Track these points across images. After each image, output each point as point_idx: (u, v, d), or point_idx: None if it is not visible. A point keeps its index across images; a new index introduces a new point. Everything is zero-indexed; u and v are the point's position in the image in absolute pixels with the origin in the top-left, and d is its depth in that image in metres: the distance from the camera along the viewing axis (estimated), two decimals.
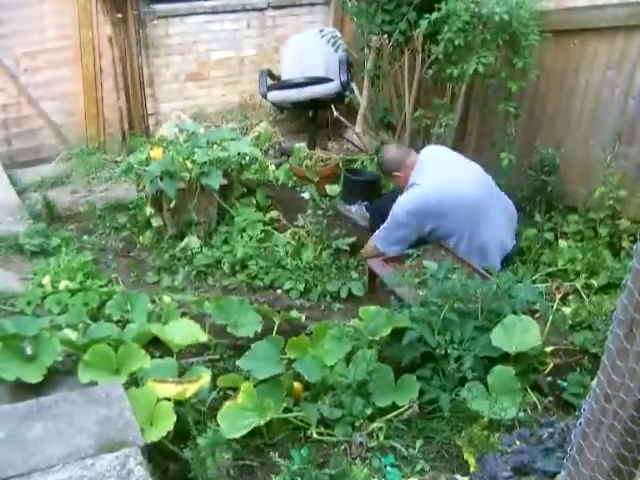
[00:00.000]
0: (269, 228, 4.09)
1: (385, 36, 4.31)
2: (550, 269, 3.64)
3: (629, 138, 3.68)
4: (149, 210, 4.13)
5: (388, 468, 2.29)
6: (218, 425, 2.26)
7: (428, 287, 2.93)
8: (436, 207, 3.56)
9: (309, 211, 4.28)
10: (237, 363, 2.59)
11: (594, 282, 3.42)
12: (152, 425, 2.19)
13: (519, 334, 2.59)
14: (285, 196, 4.66)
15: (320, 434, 2.40)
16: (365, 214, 4.35)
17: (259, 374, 2.47)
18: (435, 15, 3.71)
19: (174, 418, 2.19)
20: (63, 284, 3.38)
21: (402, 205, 3.63)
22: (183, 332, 2.76)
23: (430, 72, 4.18)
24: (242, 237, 3.97)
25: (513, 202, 3.86)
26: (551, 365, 2.85)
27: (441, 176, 3.63)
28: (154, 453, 2.16)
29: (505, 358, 2.59)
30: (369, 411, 2.46)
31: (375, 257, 3.66)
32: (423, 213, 3.57)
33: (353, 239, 3.99)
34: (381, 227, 3.75)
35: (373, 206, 4.39)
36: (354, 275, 3.77)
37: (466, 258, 3.48)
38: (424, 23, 3.79)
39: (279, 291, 3.67)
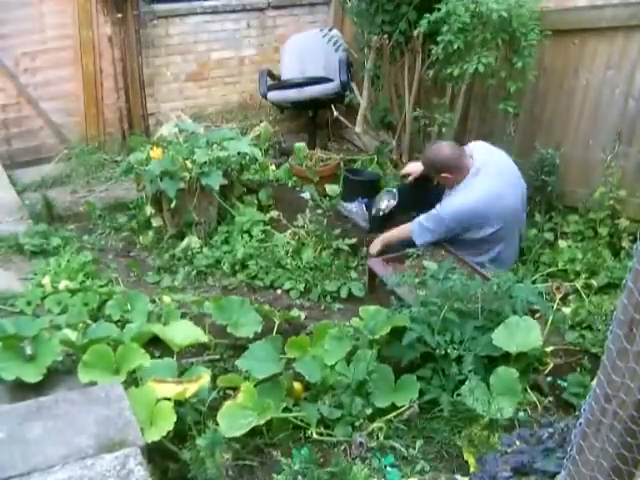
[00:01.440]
0: (269, 228, 4.09)
1: (385, 36, 4.31)
2: (550, 269, 3.63)
3: (629, 138, 3.67)
4: (149, 210, 4.13)
5: (388, 468, 2.29)
6: (218, 425, 2.26)
7: (428, 287, 2.93)
8: (482, 216, 3.46)
9: (308, 211, 4.28)
10: (236, 363, 2.60)
11: (594, 282, 3.42)
12: (152, 425, 2.19)
13: (521, 334, 2.59)
14: (285, 196, 4.66)
15: (320, 434, 2.41)
16: (365, 212, 4.33)
17: (258, 374, 2.48)
18: (435, 15, 3.71)
19: (174, 418, 2.19)
20: (63, 284, 3.38)
21: (451, 209, 3.48)
22: (183, 333, 2.76)
23: (430, 72, 4.18)
24: (242, 237, 3.97)
25: None
26: (551, 365, 2.86)
27: (493, 185, 3.48)
28: (154, 453, 2.16)
29: (505, 358, 2.59)
30: (369, 411, 2.46)
31: (376, 257, 3.67)
32: (468, 221, 3.49)
33: (353, 240, 4.00)
34: (425, 216, 3.58)
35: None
36: (354, 275, 3.77)
37: (467, 259, 3.49)
38: (424, 23, 3.79)
39: (279, 291, 3.67)
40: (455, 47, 3.66)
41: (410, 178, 4.01)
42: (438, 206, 3.55)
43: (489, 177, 3.48)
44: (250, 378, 2.52)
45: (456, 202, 3.48)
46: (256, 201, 4.37)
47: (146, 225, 4.21)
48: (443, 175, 3.55)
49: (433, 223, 3.55)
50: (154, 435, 2.14)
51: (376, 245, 3.81)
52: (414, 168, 3.98)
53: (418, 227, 3.60)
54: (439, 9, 3.72)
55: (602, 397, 1.40)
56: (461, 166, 3.50)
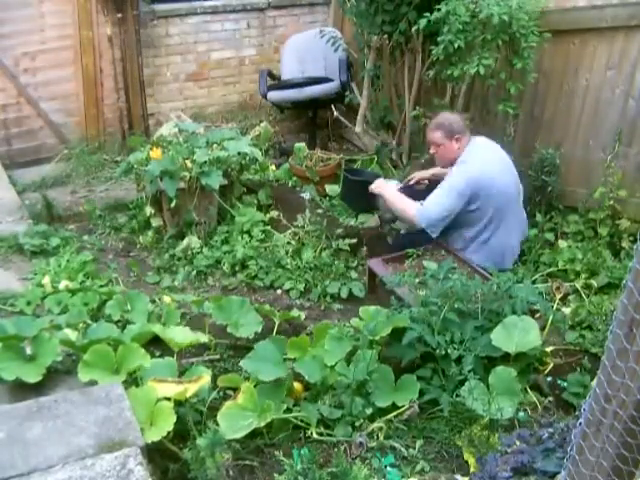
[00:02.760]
0: (269, 228, 4.09)
1: (385, 36, 4.31)
2: (550, 269, 3.63)
3: (629, 138, 3.67)
4: (149, 210, 4.13)
5: (388, 468, 2.29)
6: (218, 425, 2.26)
7: (428, 287, 2.93)
8: (480, 187, 3.48)
9: (308, 211, 4.28)
10: (240, 364, 2.58)
11: (594, 282, 3.42)
12: (152, 425, 2.19)
13: (520, 334, 2.59)
14: (285, 196, 4.66)
15: (320, 434, 2.41)
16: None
17: (263, 376, 2.47)
18: (435, 15, 3.71)
19: (174, 418, 2.19)
20: (63, 284, 3.38)
21: (460, 175, 3.51)
22: (183, 333, 2.76)
23: (430, 73, 4.17)
24: (242, 237, 3.97)
25: None
26: (551, 365, 2.86)
27: (490, 162, 3.60)
28: (154, 453, 2.16)
29: (505, 358, 2.60)
30: (369, 411, 2.46)
31: (375, 257, 3.67)
32: (477, 187, 3.48)
33: (353, 240, 4.00)
34: (428, 201, 3.55)
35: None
36: (354, 275, 3.77)
37: (466, 258, 3.49)
38: (423, 21, 3.79)
39: (279, 291, 3.67)
40: (456, 46, 3.66)
41: (413, 181, 4.04)
42: (443, 183, 3.56)
43: (484, 152, 3.61)
44: (250, 378, 2.52)
45: (459, 170, 3.53)
46: (256, 201, 4.37)
47: (146, 225, 4.21)
48: (456, 137, 3.57)
49: (444, 196, 3.52)
50: (154, 435, 2.14)
51: (385, 189, 3.78)
52: (421, 174, 4.05)
53: (428, 204, 3.54)
54: (439, 9, 3.72)
55: (602, 397, 1.40)
56: (465, 134, 3.61)
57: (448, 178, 3.57)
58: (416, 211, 3.56)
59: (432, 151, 3.72)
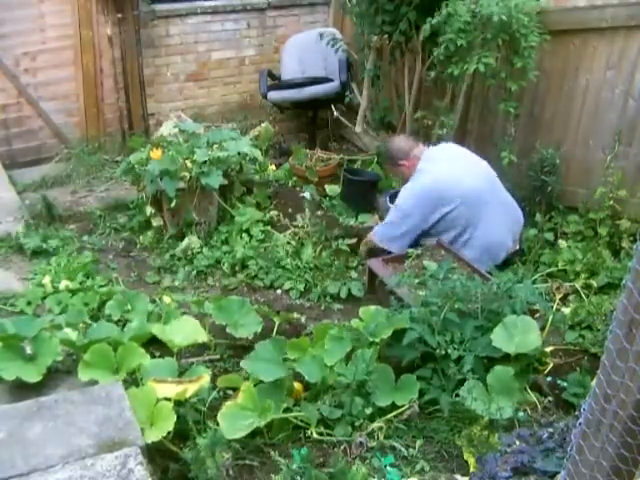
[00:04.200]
0: (269, 228, 4.09)
1: (385, 36, 4.31)
2: (550, 269, 3.63)
3: (629, 138, 3.67)
4: (149, 210, 4.13)
5: (388, 468, 2.29)
6: (218, 425, 2.26)
7: (428, 287, 2.93)
8: (439, 195, 3.56)
9: (308, 211, 4.28)
10: (241, 364, 2.59)
11: (594, 282, 3.42)
12: (152, 425, 2.19)
13: (520, 334, 2.59)
14: (285, 196, 4.66)
15: (320, 434, 2.41)
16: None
17: (264, 376, 2.47)
18: (437, 19, 3.71)
19: (174, 418, 2.19)
20: (63, 284, 3.38)
21: (407, 194, 3.63)
22: (183, 332, 2.76)
23: (432, 74, 4.16)
24: (242, 237, 3.98)
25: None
26: (551, 365, 2.86)
27: (446, 166, 3.65)
28: (154, 453, 2.16)
29: (505, 358, 2.59)
30: (369, 411, 2.46)
31: (375, 257, 3.66)
32: (427, 201, 3.57)
33: (353, 240, 4.00)
34: (382, 223, 3.76)
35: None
36: (354, 275, 3.77)
37: (466, 258, 3.49)
38: (426, 28, 3.79)
39: (279, 291, 3.67)
40: (458, 45, 3.66)
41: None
42: (396, 201, 3.73)
43: (439, 161, 3.69)
44: (250, 378, 2.52)
45: (409, 187, 3.67)
46: (256, 201, 4.37)
47: (146, 225, 4.21)
48: (400, 163, 3.78)
49: (394, 216, 3.68)
50: (154, 435, 2.15)
51: (362, 248, 3.94)
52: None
53: (381, 228, 3.75)
54: (439, 7, 3.72)
55: (602, 397, 1.40)
56: (414, 153, 3.75)
57: (398, 198, 3.70)
58: (372, 237, 3.80)
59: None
